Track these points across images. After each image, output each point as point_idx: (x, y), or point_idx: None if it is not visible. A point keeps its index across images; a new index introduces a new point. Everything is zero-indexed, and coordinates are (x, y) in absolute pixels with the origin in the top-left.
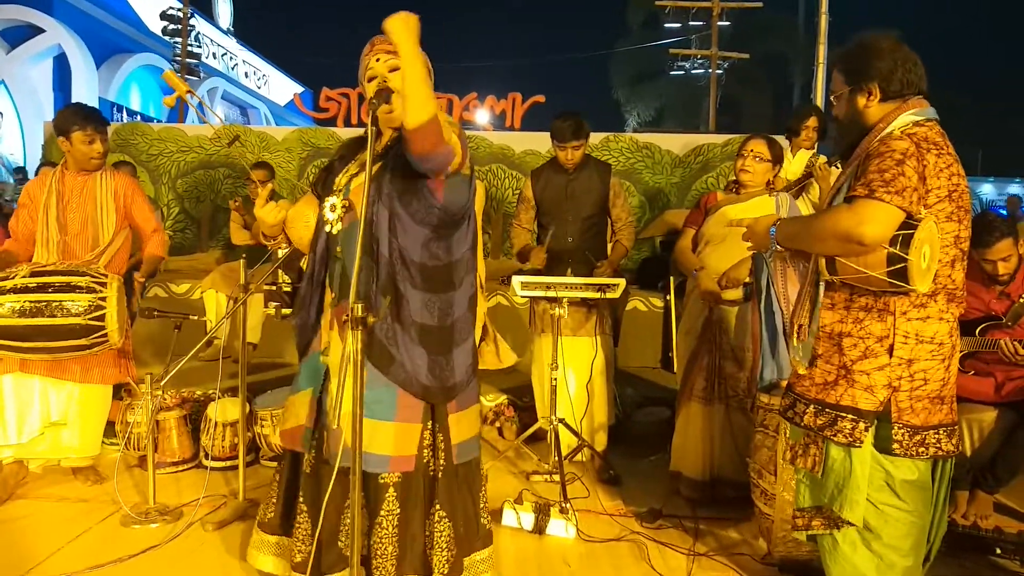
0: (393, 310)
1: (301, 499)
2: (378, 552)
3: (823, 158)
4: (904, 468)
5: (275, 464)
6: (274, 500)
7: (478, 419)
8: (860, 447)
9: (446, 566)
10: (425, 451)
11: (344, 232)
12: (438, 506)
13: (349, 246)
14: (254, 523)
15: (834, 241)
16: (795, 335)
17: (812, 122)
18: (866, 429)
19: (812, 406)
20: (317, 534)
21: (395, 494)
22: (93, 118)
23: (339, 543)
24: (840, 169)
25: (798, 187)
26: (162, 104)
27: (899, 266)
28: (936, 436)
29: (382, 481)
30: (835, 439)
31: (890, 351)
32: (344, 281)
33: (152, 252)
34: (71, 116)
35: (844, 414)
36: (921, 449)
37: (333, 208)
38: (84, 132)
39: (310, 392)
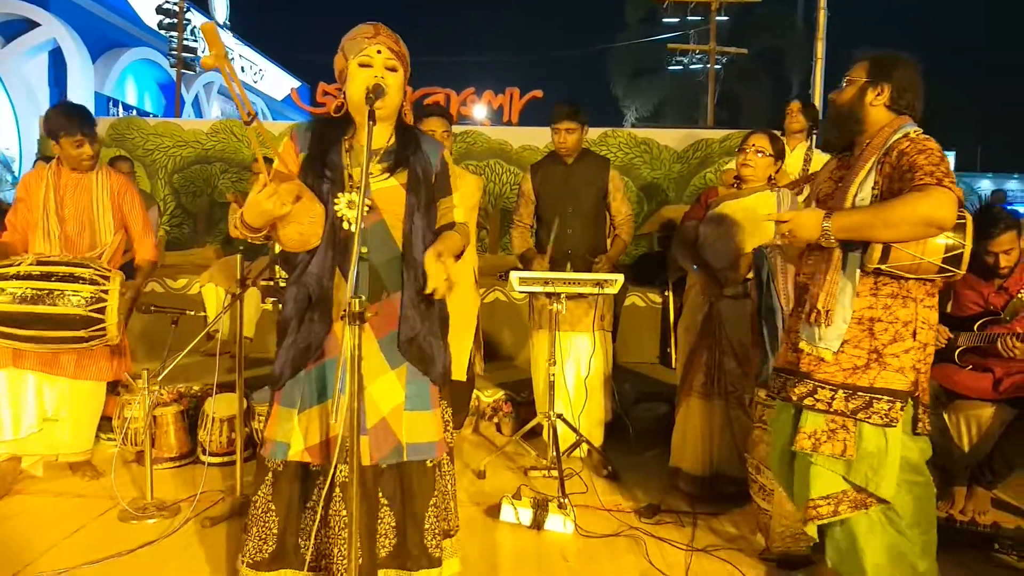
0: (425, 310)
1: (344, 514)
2: (437, 531)
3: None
4: (922, 441)
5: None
6: (275, 532)
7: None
8: (895, 426)
9: (456, 520)
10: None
11: (368, 232)
12: (447, 471)
13: (377, 247)
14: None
15: (913, 226)
16: (823, 321)
17: (796, 105)
18: (901, 408)
19: (841, 391)
20: (354, 537)
21: (438, 472)
22: (80, 121)
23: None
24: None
25: (801, 184)
26: (201, 65)
27: (957, 252)
28: (926, 416)
29: (430, 464)
30: (870, 420)
31: (914, 335)
32: (374, 281)
33: (144, 258)
34: (58, 119)
35: (879, 396)
36: (924, 427)
37: (352, 205)
38: (72, 137)
39: (330, 402)
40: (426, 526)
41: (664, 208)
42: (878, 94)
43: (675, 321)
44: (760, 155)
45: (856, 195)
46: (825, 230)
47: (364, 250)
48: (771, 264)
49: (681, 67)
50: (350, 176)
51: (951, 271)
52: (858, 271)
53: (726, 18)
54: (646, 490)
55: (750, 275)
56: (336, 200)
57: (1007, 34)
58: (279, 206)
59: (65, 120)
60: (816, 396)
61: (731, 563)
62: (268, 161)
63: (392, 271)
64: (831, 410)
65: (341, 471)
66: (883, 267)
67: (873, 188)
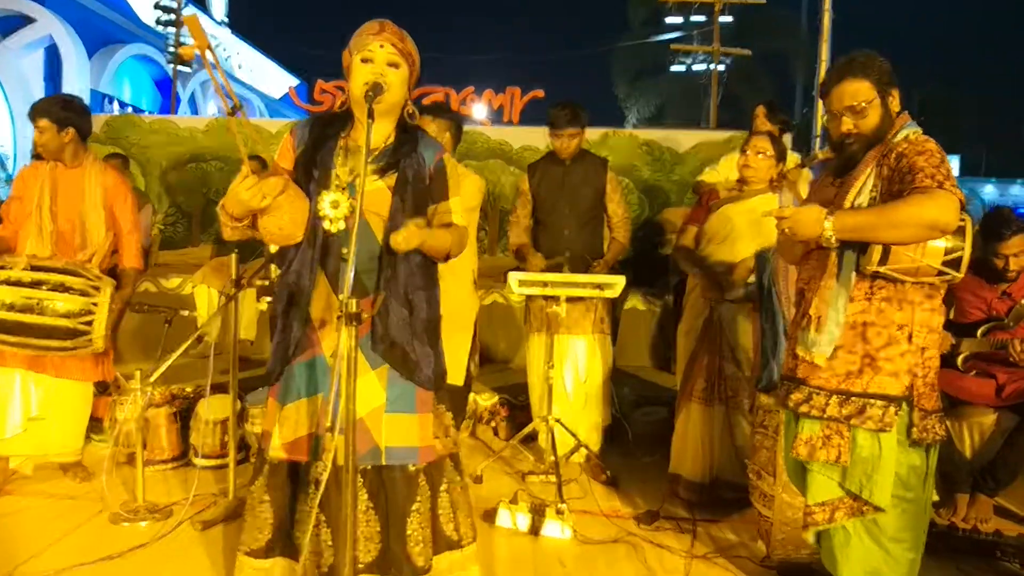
0: (408, 314)
1: (319, 510)
2: (420, 539)
3: (796, 157)
4: (913, 454)
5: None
6: (271, 521)
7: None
8: (890, 431)
9: (470, 530)
10: (438, 435)
11: (348, 232)
12: (452, 479)
13: (358, 248)
14: (237, 542)
15: (917, 228)
16: (813, 327)
17: (760, 110)
18: (896, 413)
19: (835, 396)
20: (350, 539)
21: (425, 480)
22: (38, 108)
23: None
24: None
25: (778, 184)
26: (178, 53)
27: (956, 255)
28: (933, 421)
29: (413, 469)
30: (864, 426)
31: (909, 338)
32: (355, 282)
33: (130, 265)
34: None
35: (873, 400)
36: (924, 434)
37: (335, 205)
38: (35, 125)
39: (316, 398)
40: (408, 532)
41: (666, 210)
42: (894, 99)
43: (676, 325)
44: (761, 156)
45: (855, 199)
46: (825, 228)
47: (344, 251)
48: (772, 267)
49: (684, 68)
50: (337, 176)
51: (950, 274)
52: (853, 275)
53: (730, 19)
54: (645, 496)
55: (751, 279)
56: (319, 199)
57: (1013, 37)
58: (258, 199)
59: (31, 110)
60: (811, 402)
61: (731, 570)
62: (253, 157)
63: (373, 272)
64: (825, 416)
65: (316, 467)
66: (882, 269)
67: (872, 191)
